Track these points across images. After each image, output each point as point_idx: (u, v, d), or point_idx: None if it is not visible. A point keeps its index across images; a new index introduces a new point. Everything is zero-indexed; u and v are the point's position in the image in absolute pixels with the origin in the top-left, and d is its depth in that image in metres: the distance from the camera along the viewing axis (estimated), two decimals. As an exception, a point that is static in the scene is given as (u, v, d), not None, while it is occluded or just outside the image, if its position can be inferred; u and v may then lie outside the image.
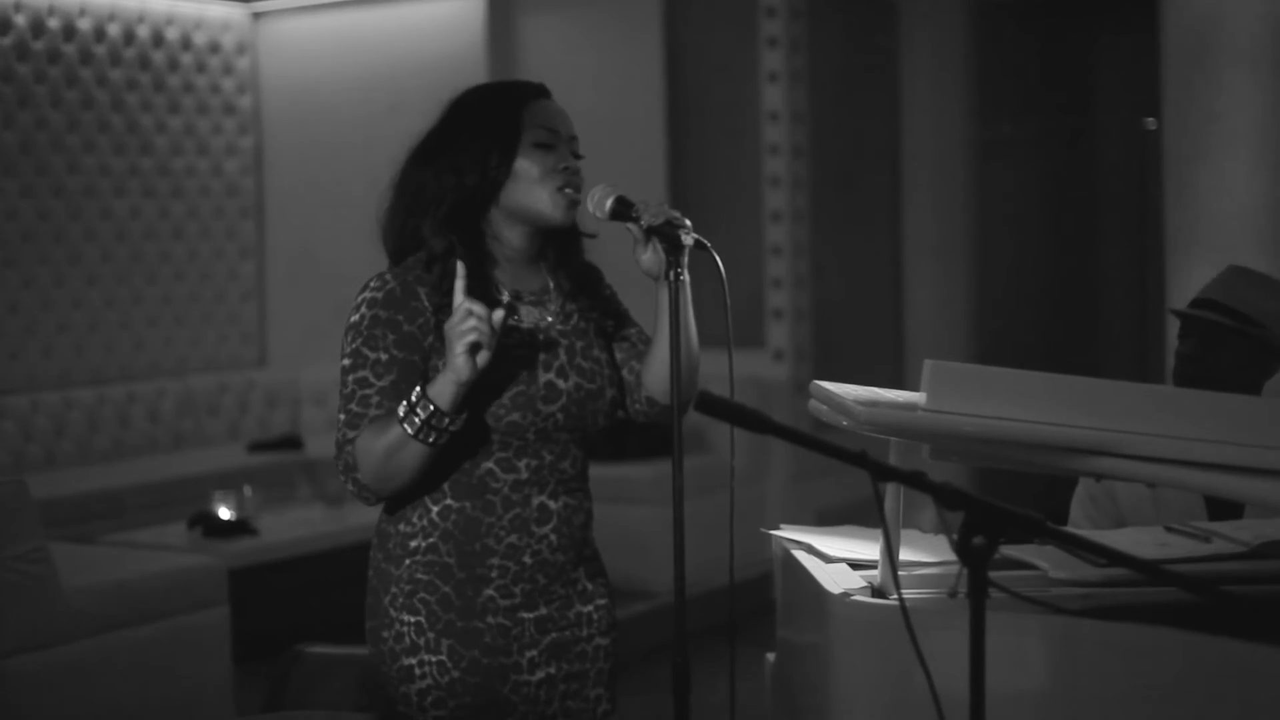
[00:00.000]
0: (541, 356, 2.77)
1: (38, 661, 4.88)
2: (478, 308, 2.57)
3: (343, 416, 2.71)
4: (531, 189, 2.77)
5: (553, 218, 2.78)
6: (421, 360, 2.73)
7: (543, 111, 2.80)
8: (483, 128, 2.78)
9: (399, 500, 2.79)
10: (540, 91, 2.84)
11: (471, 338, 2.56)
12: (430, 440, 2.63)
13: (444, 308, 2.70)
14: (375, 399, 2.70)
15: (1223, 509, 3.44)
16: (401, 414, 2.63)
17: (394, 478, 2.68)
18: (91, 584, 5.15)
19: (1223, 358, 3.51)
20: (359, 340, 2.74)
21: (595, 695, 2.89)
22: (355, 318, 2.75)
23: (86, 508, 7.02)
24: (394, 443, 2.64)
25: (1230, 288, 3.53)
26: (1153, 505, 3.48)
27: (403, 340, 2.72)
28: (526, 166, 2.76)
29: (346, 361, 2.74)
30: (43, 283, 7.95)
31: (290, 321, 9.00)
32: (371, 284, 2.78)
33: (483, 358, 2.58)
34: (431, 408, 2.61)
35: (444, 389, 2.60)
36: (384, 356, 2.72)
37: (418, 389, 2.63)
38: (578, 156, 2.81)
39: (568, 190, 2.77)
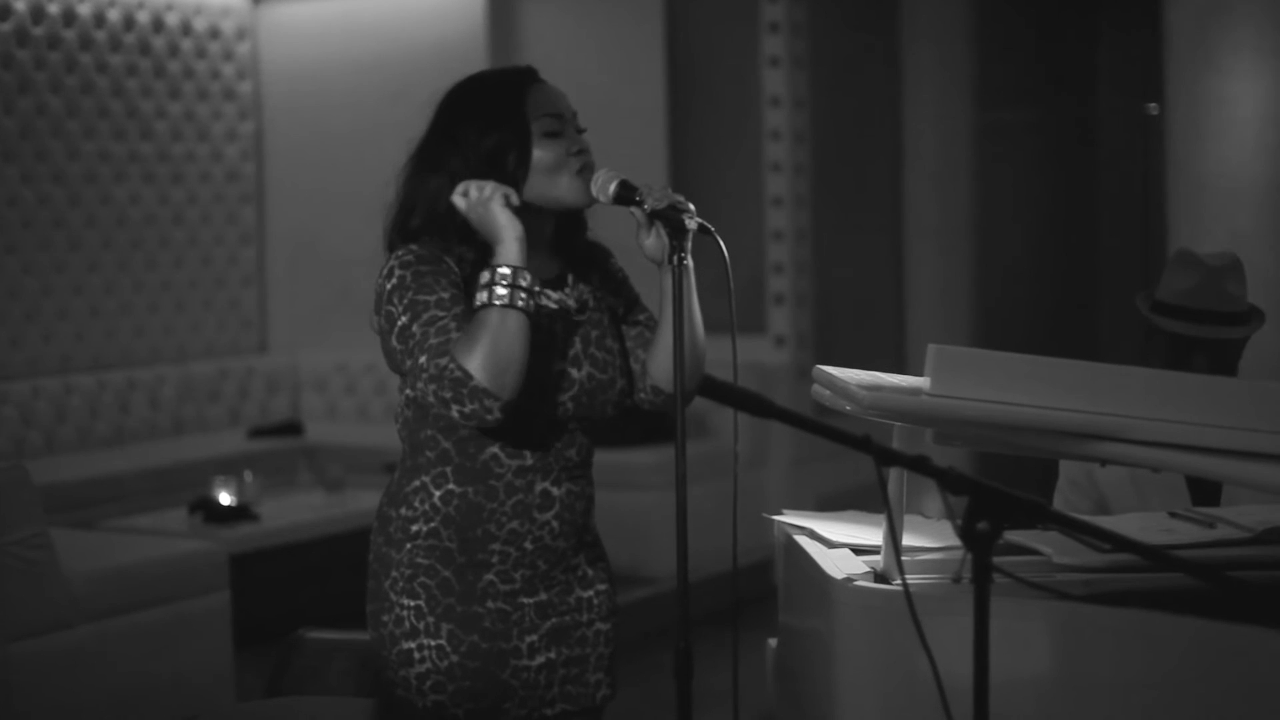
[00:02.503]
0: (556, 344, 2.76)
1: (39, 647, 4.88)
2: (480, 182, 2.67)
3: (424, 357, 2.61)
4: (550, 179, 2.75)
5: (574, 202, 2.76)
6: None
7: (543, 98, 2.78)
8: (491, 124, 2.75)
9: (409, 475, 2.77)
10: (532, 76, 2.82)
11: (498, 190, 2.64)
12: (521, 303, 2.60)
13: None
14: (453, 325, 2.63)
15: (1203, 492, 3.44)
16: (482, 300, 2.60)
17: (508, 365, 2.57)
18: (92, 569, 5.15)
19: (1234, 364, 3.52)
20: (409, 293, 2.67)
21: (595, 680, 2.88)
22: (394, 281, 2.69)
23: (87, 493, 7.02)
24: (492, 324, 2.58)
25: (1221, 293, 3.51)
26: (1133, 487, 3.48)
27: (452, 283, 2.69)
28: (540, 157, 2.74)
29: (404, 318, 2.66)
30: (43, 269, 7.94)
31: (291, 307, 8.99)
32: (397, 253, 2.74)
33: (514, 199, 2.66)
34: (507, 270, 2.60)
35: (508, 250, 2.62)
36: (445, 295, 2.67)
37: (484, 272, 2.62)
38: (581, 131, 2.80)
39: (584, 172, 2.75)
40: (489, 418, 2.59)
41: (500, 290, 2.59)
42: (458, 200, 2.67)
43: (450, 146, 2.76)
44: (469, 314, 2.63)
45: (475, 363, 2.56)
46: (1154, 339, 3.57)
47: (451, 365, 2.57)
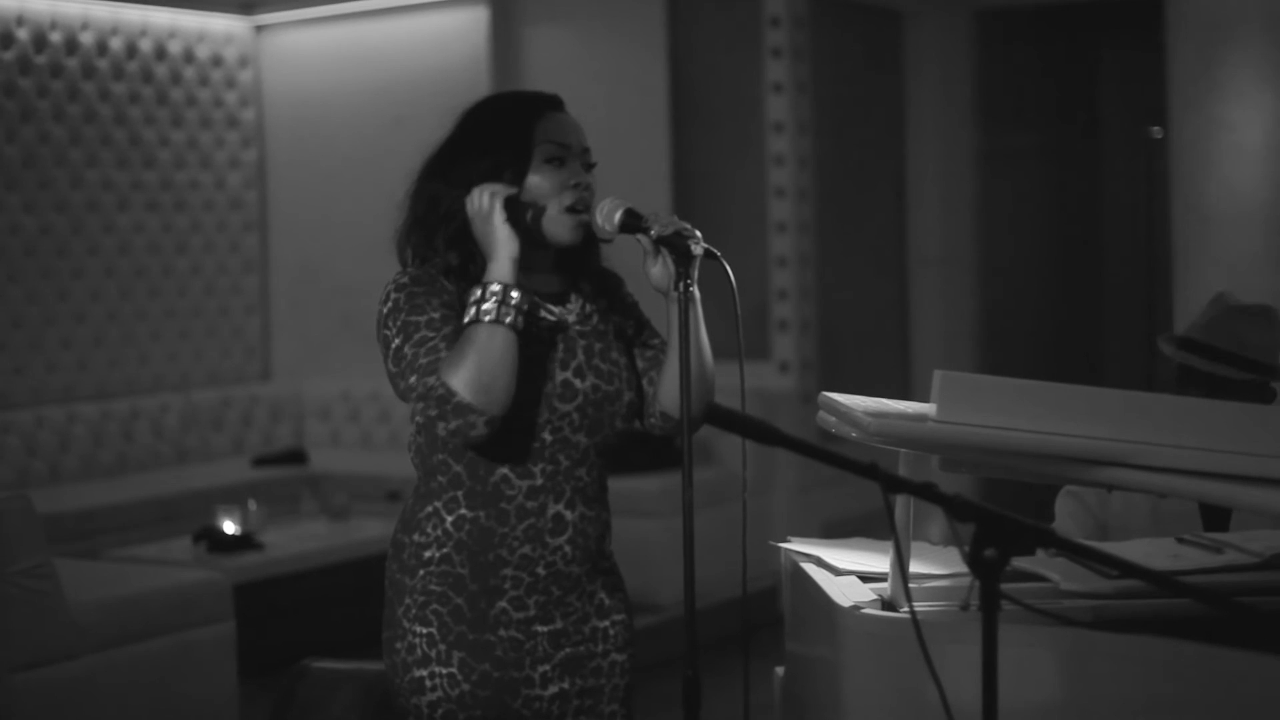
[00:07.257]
0: (559, 355, 2.75)
1: (43, 678, 4.87)
2: (491, 187, 2.68)
3: (414, 377, 2.62)
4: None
5: (560, 238, 2.76)
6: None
7: (555, 125, 2.79)
8: (495, 142, 2.77)
9: (422, 501, 2.77)
10: (553, 103, 2.83)
11: (498, 200, 2.66)
12: (508, 320, 2.60)
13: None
14: (442, 346, 2.64)
15: (1215, 519, 3.43)
16: (470, 316, 2.61)
17: (493, 381, 2.57)
18: (96, 599, 5.13)
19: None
20: (402, 314, 2.69)
21: (610, 711, 2.86)
22: (389, 306, 2.72)
23: (91, 523, 7.01)
24: (479, 341, 2.58)
25: (1229, 330, 3.50)
26: (1148, 514, 3.47)
27: (444, 304, 2.71)
28: (537, 183, 2.75)
29: (397, 340, 2.68)
30: (46, 297, 7.95)
31: (294, 335, 8.99)
32: (394, 277, 2.76)
33: (531, 217, 2.70)
34: (497, 287, 2.61)
35: (500, 267, 2.64)
36: (435, 315, 2.69)
37: (474, 289, 2.63)
38: (590, 167, 2.80)
39: (577, 208, 2.75)
40: (473, 433, 2.59)
41: (488, 306, 2.60)
42: (468, 206, 2.71)
43: (455, 156, 2.79)
44: (458, 330, 2.65)
45: (459, 379, 2.57)
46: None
47: (436, 383, 2.58)
